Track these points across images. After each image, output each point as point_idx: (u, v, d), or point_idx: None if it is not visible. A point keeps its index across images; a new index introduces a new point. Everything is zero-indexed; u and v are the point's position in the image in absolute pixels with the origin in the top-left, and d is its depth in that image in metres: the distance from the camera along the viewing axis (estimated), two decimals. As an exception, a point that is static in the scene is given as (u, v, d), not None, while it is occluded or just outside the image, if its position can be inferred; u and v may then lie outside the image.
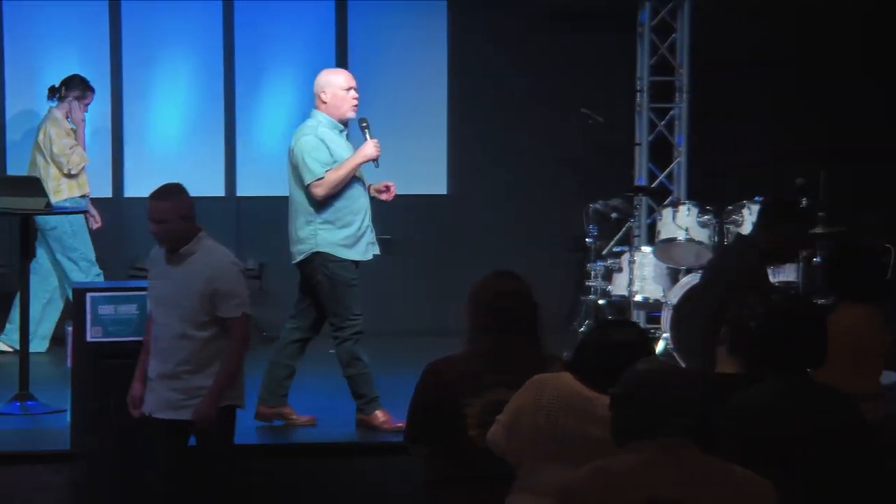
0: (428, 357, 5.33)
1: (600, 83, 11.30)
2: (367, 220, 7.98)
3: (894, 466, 5.68)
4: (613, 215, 10.36)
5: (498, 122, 10.88)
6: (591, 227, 10.23)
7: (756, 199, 9.52)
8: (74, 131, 10.13)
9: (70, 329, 7.53)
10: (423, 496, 5.12)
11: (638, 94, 11.17)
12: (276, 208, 11.16)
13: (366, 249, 7.99)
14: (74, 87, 10.18)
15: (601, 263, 10.11)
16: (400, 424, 7.67)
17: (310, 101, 11.13)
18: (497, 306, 5.09)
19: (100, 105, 10.98)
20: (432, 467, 5.12)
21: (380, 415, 7.81)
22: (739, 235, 8.63)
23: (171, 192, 6.47)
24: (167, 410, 6.38)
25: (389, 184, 8.07)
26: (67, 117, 10.15)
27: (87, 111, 10.26)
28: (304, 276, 8.02)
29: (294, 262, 8.03)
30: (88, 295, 7.16)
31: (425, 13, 11.37)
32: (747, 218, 9.49)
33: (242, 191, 11.23)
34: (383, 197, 8.09)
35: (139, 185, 11.04)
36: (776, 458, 4.49)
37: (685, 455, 3.89)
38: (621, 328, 4.82)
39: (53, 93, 10.20)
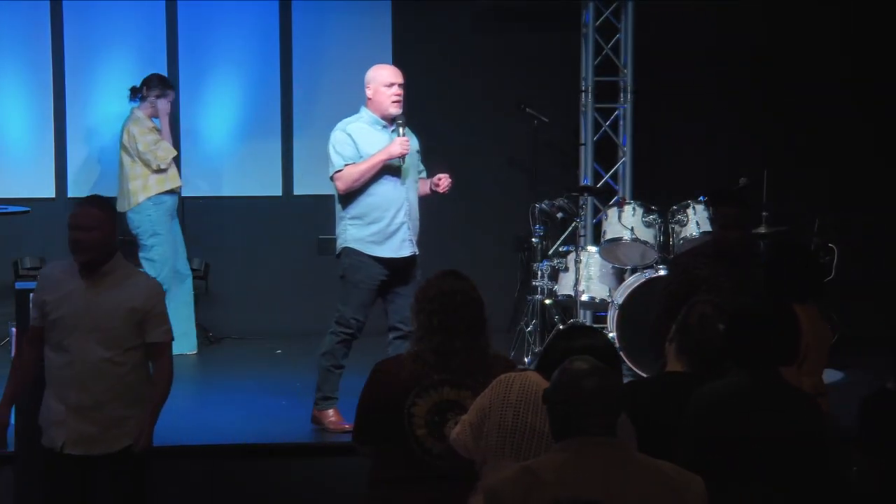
0: (374, 357, 5.33)
1: (545, 83, 11.32)
2: (402, 217, 7.90)
3: (836, 464, 5.75)
4: (559, 215, 10.39)
5: (443, 122, 10.89)
6: (536, 226, 10.24)
7: (700, 198, 9.58)
8: (158, 129, 10.21)
9: (13, 330, 7.46)
10: (370, 496, 5.11)
11: (582, 94, 11.20)
12: (220, 208, 11.20)
13: (399, 247, 7.89)
14: (154, 87, 10.29)
15: (547, 263, 10.14)
16: (348, 427, 7.70)
17: (254, 101, 11.22)
18: (443, 306, 5.10)
19: (43, 105, 10.93)
20: (380, 467, 5.12)
21: (331, 413, 7.81)
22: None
23: (103, 202, 6.02)
24: (80, 445, 5.85)
25: (443, 175, 8.05)
26: (151, 117, 10.26)
27: (169, 110, 10.36)
28: None
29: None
30: (32, 295, 7.08)
31: (369, 12, 11.36)
32: (692, 218, 9.54)
33: (187, 191, 11.17)
34: (441, 189, 8.04)
35: (83, 186, 10.99)
36: (736, 455, 4.52)
37: (609, 453, 3.91)
38: (586, 334, 4.84)
39: (135, 93, 10.32)
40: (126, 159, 10.18)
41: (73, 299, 5.85)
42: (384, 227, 7.86)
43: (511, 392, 4.62)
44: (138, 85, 10.31)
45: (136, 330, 5.84)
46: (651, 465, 3.96)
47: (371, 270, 7.88)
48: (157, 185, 10.12)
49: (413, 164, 7.98)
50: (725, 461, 4.43)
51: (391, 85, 7.95)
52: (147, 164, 10.07)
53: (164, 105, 10.29)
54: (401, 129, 7.91)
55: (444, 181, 8.03)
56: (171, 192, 10.23)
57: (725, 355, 4.81)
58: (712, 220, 7.15)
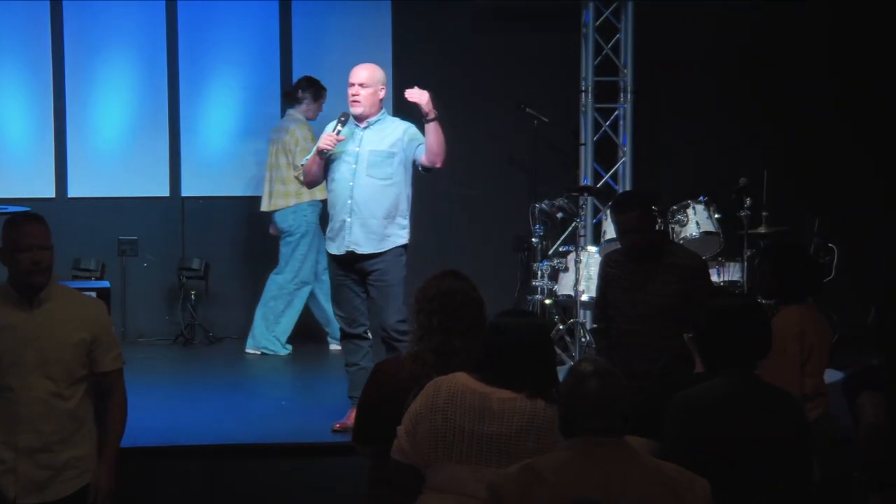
0: (375, 357, 5.33)
1: (545, 83, 11.32)
2: (345, 215, 7.81)
3: (835, 460, 5.75)
4: (559, 215, 10.39)
5: (443, 122, 10.87)
6: (536, 226, 10.25)
7: (701, 198, 9.57)
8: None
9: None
10: (370, 496, 5.11)
11: (582, 94, 11.20)
12: (220, 208, 11.20)
13: (343, 244, 7.84)
14: (308, 89, 10.44)
15: (547, 263, 10.13)
16: (338, 425, 7.70)
17: (254, 101, 11.22)
18: (443, 306, 5.09)
19: (43, 105, 10.93)
20: (380, 467, 5.12)
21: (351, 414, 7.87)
22: None
23: (41, 217, 5.45)
24: (33, 494, 5.33)
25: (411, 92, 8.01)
26: (308, 120, 10.43)
27: (321, 111, 10.47)
28: None
29: None
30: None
31: (369, 13, 11.36)
32: (692, 218, 9.54)
33: (187, 191, 11.18)
34: (413, 99, 7.97)
35: (83, 185, 11.00)
36: (721, 456, 4.51)
37: (611, 454, 3.91)
38: (510, 316, 4.83)
39: (290, 97, 10.52)
40: (282, 161, 10.33)
41: (14, 330, 5.28)
42: (334, 224, 7.90)
43: (439, 396, 4.61)
44: (291, 88, 10.57)
45: (84, 359, 5.35)
46: (654, 466, 3.95)
47: (332, 267, 8.00)
48: (309, 193, 10.25)
49: (372, 162, 7.84)
50: (711, 464, 4.42)
51: (351, 85, 7.93)
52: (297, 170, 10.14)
53: (316, 108, 10.46)
54: (339, 126, 7.85)
55: (413, 93, 7.94)
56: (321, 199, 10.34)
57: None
58: (616, 229, 7.29)
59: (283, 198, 10.34)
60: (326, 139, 7.81)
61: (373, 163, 7.83)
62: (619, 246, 9.38)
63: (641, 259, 7.03)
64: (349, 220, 7.81)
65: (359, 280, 7.88)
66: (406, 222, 7.89)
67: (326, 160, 7.87)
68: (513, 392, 4.56)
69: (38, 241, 5.30)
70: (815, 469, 4.82)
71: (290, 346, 10.43)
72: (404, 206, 7.89)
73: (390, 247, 7.82)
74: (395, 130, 7.90)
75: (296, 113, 10.40)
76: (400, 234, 7.87)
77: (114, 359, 5.43)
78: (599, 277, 7.34)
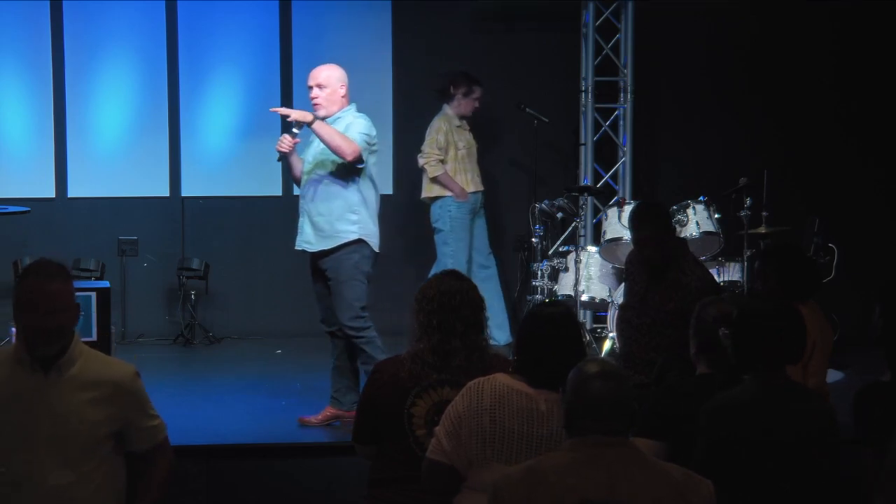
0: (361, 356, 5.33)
1: (545, 83, 11.33)
2: (302, 214, 7.95)
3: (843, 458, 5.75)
4: (559, 215, 10.39)
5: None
6: (536, 226, 10.25)
7: (701, 198, 9.57)
8: (461, 127, 10.50)
9: (13, 330, 7.45)
10: (370, 496, 5.11)
11: (582, 94, 11.20)
12: (220, 208, 11.20)
13: (298, 241, 8.00)
14: (461, 85, 10.48)
15: (547, 263, 10.13)
16: (312, 419, 7.70)
17: (253, 102, 11.22)
18: (442, 306, 5.10)
19: (43, 105, 10.94)
20: (380, 467, 5.12)
21: (326, 409, 7.95)
22: None
23: (63, 270, 4.48)
24: None
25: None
26: (461, 116, 10.52)
27: (478, 103, 10.55)
28: None
29: None
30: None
31: (369, 13, 11.37)
32: (692, 218, 9.53)
33: (187, 191, 11.19)
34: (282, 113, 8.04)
35: (83, 185, 11.00)
36: (754, 458, 4.51)
37: (616, 455, 3.90)
38: (547, 305, 4.85)
39: (444, 94, 10.55)
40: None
41: (22, 403, 4.37)
42: (299, 222, 7.99)
43: (483, 397, 4.62)
44: (445, 85, 10.57)
45: (111, 439, 4.47)
46: (658, 467, 3.94)
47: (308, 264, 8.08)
48: (469, 183, 10.47)
49: (319, 161, 7.86)
50: (742, 466, 4.42)
51: (309, 88, 8.01)
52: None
53: (468, 104, 10.51)
54: (295, 129, 7.86)
55: (278, 111, 8.01)
56: (473, 192, 10.49)
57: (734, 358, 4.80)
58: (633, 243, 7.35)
59: (427, 190, 10.53)
60: (283, 142, 7.84)
61: (320, 161, 7.87)
62: (627, 247, 9.47)
63: (652, 271, 7.06)
64: (301, 219, 7.93)
65: (321, 278, 7.93)
66: (357, 217, 7.82)
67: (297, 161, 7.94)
68: (557, 392, 4.56)
69: (50, 302, 4.35)
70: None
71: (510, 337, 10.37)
72: (356, 200, 7.83)
73: (338, 244, 7.81)
74: (340, 128, 7.88)
75: (448, 109, 10.53)
76: (350, 230, 7.81)
77: (151, 432, 4.56)
78: (626, 276, 7.49)
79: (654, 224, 7.09)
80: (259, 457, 7.44)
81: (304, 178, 7.94)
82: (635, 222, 7.21)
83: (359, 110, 8.07)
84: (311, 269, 8.00)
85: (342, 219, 7.79)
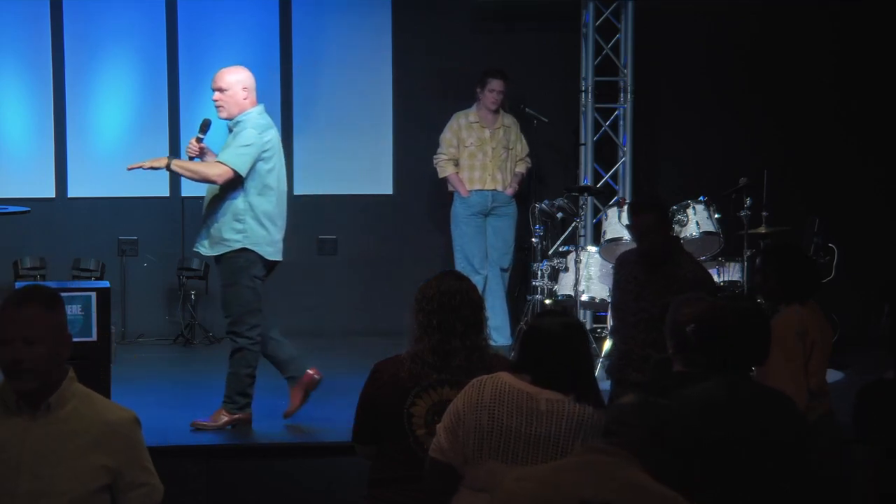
0: (374, 357, 5.33)
1: (545, 83, 11.33)
2: (202, 215, 8.00)
3: (838, 459, 5.75)
4: (559, 215, 10.39)
5: (443, 123, 10.89)
6: (536, 226, 10.25)
7: (701, 198, 9.56)
8: (478, 123, 10.63)
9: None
10: (370, 495, 5.11)
11: (582, 94, 11.20)
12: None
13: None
14: (479, 81, 10.68)
15: (547, 263, 10.13)
16: (198, 422, 7.71)
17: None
18: (441, 306, 5.10)
19: (43, 105, 10.94)
20: (380, 467, 5.12)
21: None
22: None
23: (49, 294, 3.98)
24: None
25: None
26: (485, 111, 10.69)
27: (500, 96, 10.65)
28: None
29: None
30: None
31: (369, 13, 11.37)
32: (692, 218, 9.53)
33: (187, 190, 11.18)
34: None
35: (83, 185, 11.00)
36: (717, 458, 4.51)
37: (606, 464, 3.86)
38: (550, 317, 4.86)
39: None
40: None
41: (2, 450, 3.87)
42: None
43: (484, 395, 4.62)
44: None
45: (102, 494, 3.93)
46: (639, 481, 3.86)
47: None
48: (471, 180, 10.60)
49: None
50: (707, 466, 4.41)
51: (212, 91, 7.99)
52: None
53: (488, 97, 10.60)
54: (199, 133, 7.88)
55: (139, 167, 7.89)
56: (480, 190, 10.60)
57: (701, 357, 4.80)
58: (630, 229, 7.33)
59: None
60: (190, 147, 7.87)
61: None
62: (619, 247, 9.46)
63: (651, 265, 7.04)
64: (200, 223, 7.98)
65: None
66: (242, 226, 7.82)
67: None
68: (560, 394, 4.56)
69: (22, 330, 3.86)
70: (815, 469, 4.81)
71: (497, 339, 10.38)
72: (241, 209, 7.82)
73: (224, 251, 7.84)
74: (235, 133, 7.87)
75: (473, 106, 10.73)
76: (234, 239, 7.82)
77: (144, 493, 3.99)
78: (613, 280, 7.45)
79: (654, 214, 7.08)
80: (259, 457, 7.44)
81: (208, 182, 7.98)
82: (636, 212, 7.19)
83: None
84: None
85: (228, 227, 7.83)
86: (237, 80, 7.95)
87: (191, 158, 7.90)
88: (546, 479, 3.85)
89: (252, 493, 7.20)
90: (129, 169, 7.86)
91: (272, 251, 7.95)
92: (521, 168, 10.79)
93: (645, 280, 7.05)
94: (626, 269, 7.24)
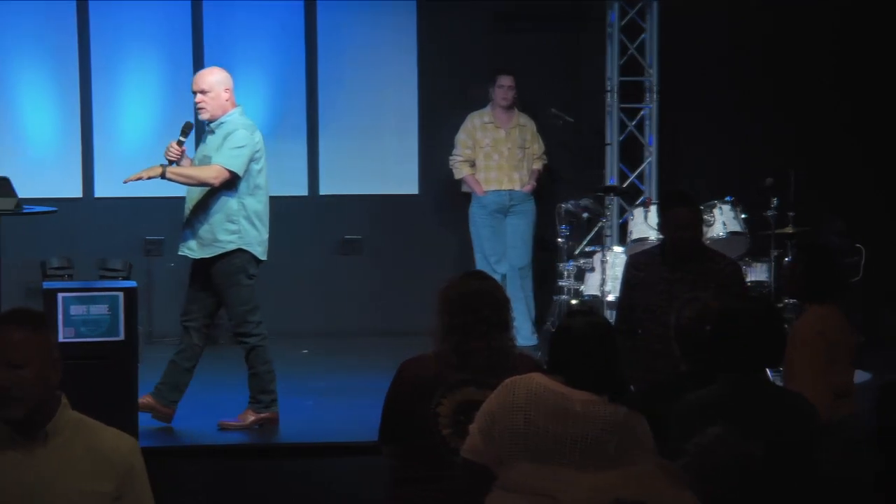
0: (399, 357, 5.33)
1: (570, 83, 11.31)
2: (186, 220, 8.01)
3: (865, 459, 5.72)
4: (584, 215, 10.40)
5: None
6: (562, 226, 10.25)
7: (727, 198, 9.55)
8: (494, 125, 10.69)
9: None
10: (395, 495, 5.11)
11: (607, 94, 11.19)
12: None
13: (179, 247, 8.08)
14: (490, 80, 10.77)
15: (573, 263, 10.13)
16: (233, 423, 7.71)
17: (279, 100, 11.23)
18: (466, 306, 5.09)
19: (69, 105, 10.97)
20: (405, 466, 5.13)
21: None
22: None
23: (35, 316, 3.80)
24: None
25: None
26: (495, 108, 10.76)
27: (509, 92, 10.71)
28: None
29: None
30: (60, 295, 7.13)
31: (395, 12, 11.37)
32: (718, 218, 9.52)
33: (213, 191, 11.20)
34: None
35: (109, 186, 11.03)
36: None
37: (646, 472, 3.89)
38: (580, 317, 4.85)
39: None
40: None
41: (2, 486, 3.70)
42: None
43: (517, 396, 4.61)
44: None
45: None
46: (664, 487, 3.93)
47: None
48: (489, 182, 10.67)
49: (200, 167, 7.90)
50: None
51: (194, 94, 7.99)
52: None
53: (497, 93, 10.69)
54: (181, 136, 7.89)
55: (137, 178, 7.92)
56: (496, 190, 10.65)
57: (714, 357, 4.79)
58: (662, 223, 7.25)
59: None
60: (170, 150, 7.85)
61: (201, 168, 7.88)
62: (644, 247, 9.44)
63: (677, 262, 6.98)
64: (184, 224, 7.97)
65: (198, 281, 7.99)
66: (236, 227, 7.84)
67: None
68: (594, 395, 4.56)
69: (7, 354, 3.65)
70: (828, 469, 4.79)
71: (528, 338, 10.38)
72: (234, 209, 7.84)
73: (217, 253, 7.85)
74: (222, 134, 7.86)
75: (487, 106, 10.79)
76: (229, 240, 7.84)
77: None
78: (623, 280, 7.29)
79: (686, 208, 7.03)
80: (282, 456, 7.45)
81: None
82: (670, 204, 7.13)
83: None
84: (191, 271, 8.08)
85: (221, 228, 7.83)
86: (218, 81, 7.95)
87: (170, 162, 7.88)
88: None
89: (278, 493, 7.20)
90: (126, 182, 7.90)
91: (262, 251, 8.00)
92: (538, 165, 10.79)
93: (675, 277, 6.98)
94: (647, 271, 7.14)
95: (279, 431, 7.86)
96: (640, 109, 11.30)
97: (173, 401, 7.81)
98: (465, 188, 10.79)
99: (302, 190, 11.32)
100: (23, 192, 8.26)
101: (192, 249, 7.93)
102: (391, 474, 5.21)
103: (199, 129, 8.11)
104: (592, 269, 9.98)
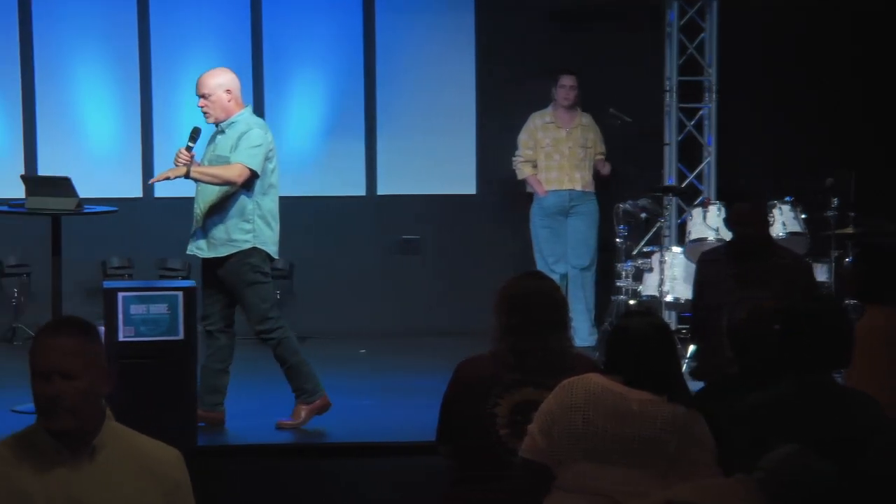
0: (456, 357, 5.33)
1: (628, 83, 11.27)
2: (195, 220, 7.94)
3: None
4: (643, 215, 10.36)
5: (526, 122, 10.87)
6: (620, 227, 10.22)
7: (787, 198, 9.49)
8: (557, 126, 10.71)
9: (102, 329, 7.55)
10: (453, 495, 5.12)
11: (666, 94, 11.15)
12: (304, 208, 11.26)
13: (189, 247, 8.02)
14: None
15: (631, 263, 10.10)
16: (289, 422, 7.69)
17: (338, 99, 11.27)
18: (524, 306, 5.09)
19: (130, 105, 11.06)
20: (461, 466, 5.13)
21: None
22: None
23: (86, 326, 3.67)
24: None
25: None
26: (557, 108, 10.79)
27: (571, 92, 10.72)
28: None
29: None
30: (120, 295, 7.17)
31: (453, 12, 11.38)
32: (778, 218, 9.45)
33: (274, 191, 11.26)
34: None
35: (169, 185, 11.08)
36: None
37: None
38: (637, 317, 4.85)
39: None
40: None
41: (45, 498, 3.54)
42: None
43: (575, 396, 4.60)
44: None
45: None
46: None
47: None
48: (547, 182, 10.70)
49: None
50: None
51: (198, 98, 7.98)
52: None
53: (559, 93, 10.71)
54: (189, 142, 7.85)
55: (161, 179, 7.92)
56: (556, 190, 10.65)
57: (777, 358, 4.75)
58: (727, 219, 7.21)
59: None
60: (179, 157, 7.81)
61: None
62: (703, 248, 9.40)
63: (744, 257, 6.94)
64: (194, 224, 7.91)
65: (212, 282, 7.91)
66: (250, 226, 7.80)
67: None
68: (652, 395, 4.55)
69: (59, 363, 3.53)
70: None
71: (586, 338, 10.37)
72: (249, 209, 7.81)
73: (231, 252, 7.80)
74: (234, 134, 7.84)
75: (549, 106, 10.81)
76: (244, 239, 7.80)
77: None
78: (695, 281, 7.30)
79: (750, 203, 6.99)
80: (340, 456, 7.46)
81: (198, 184, 7.93)
82: (733, 198, 7.09)
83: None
84: (203, 273, 8.03)
85: (236, 228, 7.79)
86: (218, 84, 7.93)
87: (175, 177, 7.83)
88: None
89: (335, 492, 7.21)
90: (151, 182, 7.92)
91: (275, 250, 7.98)
92: (601, 160, 10.77)
93: (740, 273, 6.94)
94: (714, 268, 7.13)
95: (337, 431, 7.88)
96: (698, 109, 11.25)
97: (216, 403, 7.79)
98: (528, 188, 10.78)
99: (360, 190, 11.35)
100: (84, 191, 8.31)
101: (202, 249, 7.90)
102: (449, 474, 5.21)
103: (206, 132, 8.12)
104: (651, 270, 9.94)
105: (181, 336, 7.23)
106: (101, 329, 7.52)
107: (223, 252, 7.80)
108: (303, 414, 7.79)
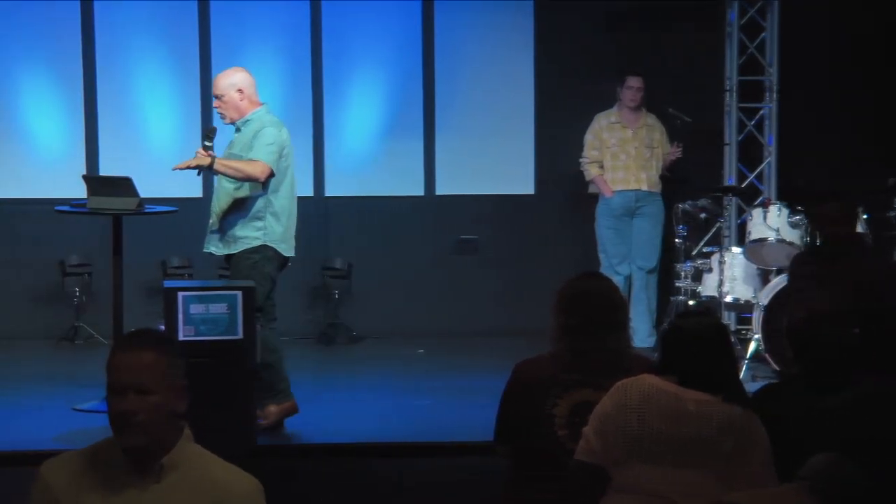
0: (514, 357, 5.33)
1: (688, 83, 11.23)
2: (211, 217, 7.97)
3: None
4: (702, 215, 10.32)
5: (585, 123, 10.85)
6: (679, 227, 10.18)
7: (847, 199, 9.40)
8: (622, 125, 10.70)
9: (162, 328, 7.60)
10: (510, 496, 5.11)
11: (726, 93, 11.09)
12: (363, 208, 11.29)
13: (205, 244, 8.06)
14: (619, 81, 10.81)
15: (690, 264, 10.06)
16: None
17: (395, 102, 11.29)
18: (582, 306, 5.08)
19: (190, 106, 11.12)
20: (519, 466, 5.12)
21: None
22: None
23: (167, 342, 3.75)
24: None
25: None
26: (623, 109, 10.80)
27: (638, 93, 10.71)
28: None
29: None
30: (180, 294, 7.21)
31: (511, 11, 11.38)
32: (838, 218, 9.37)
33: (331, 191, 11.29)
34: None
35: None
36: (867, 459, 4.44)
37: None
38: (692, 317, 4.82)
39: None
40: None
41: None
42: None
43: (630, 397, 4.58)
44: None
45: None
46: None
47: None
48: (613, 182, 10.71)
49: None
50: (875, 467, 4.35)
51: (213, 99, 7.99)
52: None
53: (625, 94, 10.70)
54: (205, 141, 7.84)
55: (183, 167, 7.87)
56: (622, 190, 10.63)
57: (836, 358, 4.72)
58: (814, 220, 7.16)
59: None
60: (198, 157, 7.80)
61: None
62: (772, 248, 9.37)
63: (829, 258, 6.89)
64: (211, 222, 7.94)
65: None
66: (262, 224, 7.82)
67: None
68: (708, 395, 4.53)
69: (132, 379, 3.42)
70: None
71: (646, 339, 10.36)
72: (261, 206, 7.81)
73: (241, 249, 7.82)
74: (249, 133, 7.85)
75: (615, 106, 10.80)
76: (254, 237, 7.82)
77: None
78: (789, 281, 7.30)
79: (836, 204, 6.96)
80: (400, 455, 7.47)
81: (215, 183, 7.97)
82: (819, 198, 7.05)
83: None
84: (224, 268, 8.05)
85: (247, 225, 7.81)
86: (230, 84, 7.95)
87: (200, 168, 7.84)
88: None
89: (394, 492, 7.22)
90: (174, 169, 7.90)
91: (286, 248, 7.97)
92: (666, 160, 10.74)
93: (824, 275, 6.89)
94: (802, 268, 7.09)
95: (395, 431, 7.89)
96: (759, 109, 11.19)
97: (281, 391, 7.80)
98: (592, 189, 10.75)
99: (419, 190, 11.36)
100: (144, 191, 8.37)
101: (216, 247, 7.95)
102: (506, 474, 5.21)
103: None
104: (710, 270, 9.90)
105: (240, 336, 7.25)
106: (161, 328, 7.60)
107: (235, 249, 7.87)
108: (272, 414, 7.77)
